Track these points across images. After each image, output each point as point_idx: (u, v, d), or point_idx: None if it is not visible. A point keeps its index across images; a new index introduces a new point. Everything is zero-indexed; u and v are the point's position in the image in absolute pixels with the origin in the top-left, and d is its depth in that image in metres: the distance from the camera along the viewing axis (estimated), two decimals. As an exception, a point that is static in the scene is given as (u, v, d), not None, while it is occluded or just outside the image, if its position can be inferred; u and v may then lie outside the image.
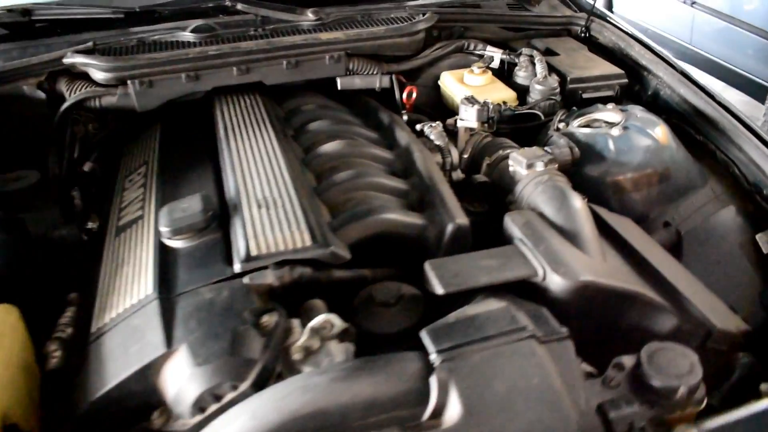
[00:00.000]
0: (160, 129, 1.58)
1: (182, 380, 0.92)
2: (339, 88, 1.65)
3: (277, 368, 0.94)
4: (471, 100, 1.44)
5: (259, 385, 0.88)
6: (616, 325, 1.09)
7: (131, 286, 1.10)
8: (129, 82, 1.52)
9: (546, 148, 1.34)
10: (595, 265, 1.08)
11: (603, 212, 1.26)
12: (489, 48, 1.76)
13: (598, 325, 1.09)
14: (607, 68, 1.67)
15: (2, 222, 1.28)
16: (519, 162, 1.29)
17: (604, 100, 1.62)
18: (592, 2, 1.83)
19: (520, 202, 1.24)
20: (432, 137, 1.41)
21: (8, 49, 1.62)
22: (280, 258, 1.05)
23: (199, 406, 0.90)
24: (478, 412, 0.80)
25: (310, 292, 1.09)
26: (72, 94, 1.55)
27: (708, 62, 3.85)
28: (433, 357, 0.86)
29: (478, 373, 0.84)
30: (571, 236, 1.12)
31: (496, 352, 0.87)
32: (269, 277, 1.03)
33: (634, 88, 1.73)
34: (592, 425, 0.83)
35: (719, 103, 1.51)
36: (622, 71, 1.66)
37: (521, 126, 1.57)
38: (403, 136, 1.43)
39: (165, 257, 1.12)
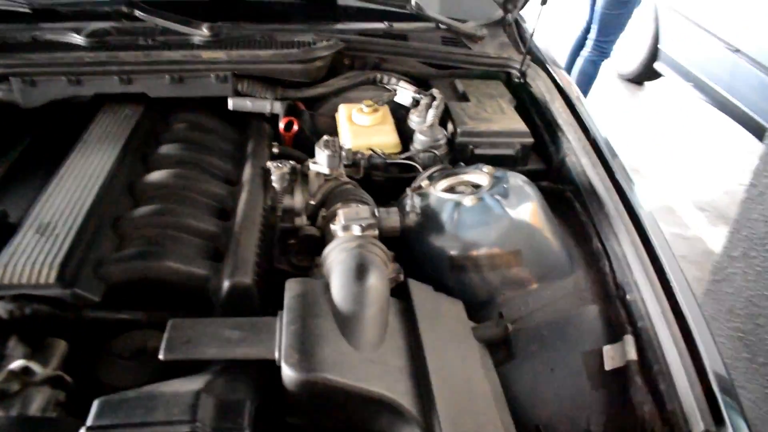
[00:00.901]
0: (39, 130, 1.58)
1: None
2: (229, 108, 1.59)
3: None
4: (328, 145, 1.34)
5: None
6: (363, 427, 0.98)
7: None
8: (11, 78, 1.53)
9: (378, 210, 1.22)
10: (346, 360, 0.96)
11: (421, 292, 1.14)
12: (402, 84, 1.64)
13: (341, 425, 0.99)
14: (512, 123, 1.52)
15: None
16: (339, 221, 1.18)
17: (501, 159, 1.48)
18: (526, 44, 1.66)
19: (323, 267, 1.14)
20: (272, 178, 1.32)
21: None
22: (17, 291, 1.02)
23: None
24: None
25: (60, 330, 1.05)
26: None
27: (745, 117, 3.48)
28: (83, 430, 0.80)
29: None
30: (345, 318, 1.01)
31: (145, 435, 0.80)
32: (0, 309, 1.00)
33: (549, 148, 1.56)
34: None
35: (615, 182, 1.34)
36: (526, 130, 1.50)
37: (396, 176, 1.46)
38: (248, 172, 1.36)
39: None
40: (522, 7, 1.78)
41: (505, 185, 1.28)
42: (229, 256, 1.15)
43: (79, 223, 1.14)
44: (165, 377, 0.95)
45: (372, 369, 0.97)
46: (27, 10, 1.66)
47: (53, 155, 1.41)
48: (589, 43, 4.01)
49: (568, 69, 4.21)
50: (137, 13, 1.59)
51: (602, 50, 3.98)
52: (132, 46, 1.55)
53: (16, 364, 0.94)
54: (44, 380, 0.96)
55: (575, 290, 1.24)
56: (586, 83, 4.14)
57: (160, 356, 0.94)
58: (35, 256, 1.06)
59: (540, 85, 1.65)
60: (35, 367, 0.95)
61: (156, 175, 1.31)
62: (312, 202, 1.35)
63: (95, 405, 0.85)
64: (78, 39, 1.57)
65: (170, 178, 1.30)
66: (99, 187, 1.24)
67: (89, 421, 0.82)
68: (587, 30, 4.08)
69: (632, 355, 1.10)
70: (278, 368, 0.94)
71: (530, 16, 1.94)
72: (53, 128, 1.58)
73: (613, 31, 3.92)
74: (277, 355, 0.94)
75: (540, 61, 1.73)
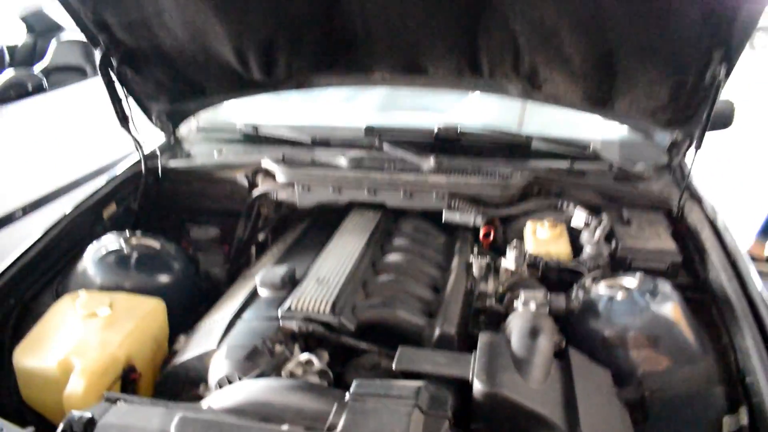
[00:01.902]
0: (309, 222, 2.32)
1: (217, 366, 1.55)
2: (443, 219, 2.20)
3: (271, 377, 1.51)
4: (516, 247, 1.88)
5: None
6: (523, 434, 1.42)
7: (229, 306, 1.78)
8: (295, 184, 2.29)
9: (550, 294, 1.71)
10: (519, 385, 1.43)
11: (578, 357, 1.58)
12: (577, 209, 2.14)
13: (507, 429, 1.44)
14: (665, 244, 1.95)
15: (185, 256, 2.10)
16: (521, 299, 1.69)
17: (653, 272, 1.90)
18: (684, 184, 2.11)
19: (505, 329, 1.64)
20: (473, 268, 1.87)
21: (241, 149, 2.54)
22: (305, 315, 1.64)
23: (220, 384, 1.51)
24: None
25: (326, 345, 1.65)
26: (261, 186, 2.38)
27: None
28: (347, 395, 1.35)
29: (363, 412, 1.30)
30: (520, 360, 1.49)
31: (385, 403, 1.32)
32: (293, 325, 1.62)
33: (697, 266, 1.95)
34: None
35: (746, 292, 1.70)
36: (676, 250, 1.92)
37: (566, 279, 1.94)
38: (455, 263, 1.93)
39: (251, 297, 1.79)
40: (684, 156, 2.23)
41: (651, 287, 1.71)
42: (439, 314, 1.70)
43: (343, 280, 1.77)
44: None
45: (535, 395, 1.43)
46: (308, 141, 2.46)
47: (319, 239, 2.09)
48: None
49: None
50: (384, 146, 2.31)
51: None
52: (379, 168, 2.26)
53: (304, 356, 1.54)
54: (317, 371, 1.55)
55: (705, 373, 1.60)
56: None
57: (394, 367, 1.48)
58: (316, 296, 1.69)
59: (694, 217, 2.07)
60: (315, 361, 1.54)
61: (391, 257, 1.94)
62: (500, 289, 1.88)
63: (355, 382, 1.40)
64: (342, 161, 2.31)
65: (400, 260, 1.91)
66: (354, 261, 1.87)
67: (351, 390, 1.37)
68: None
69: (745, 421, 1.44)
70: (470, 386, 1.44)
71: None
72: (318, 221, 2.30)
73: None
74: (471, 375, 1.44)
75: (697, 198, 2.15)
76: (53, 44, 4.46)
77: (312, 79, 2.40)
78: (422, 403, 1.34)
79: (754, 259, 4.37)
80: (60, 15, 5.33)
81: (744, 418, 1.45)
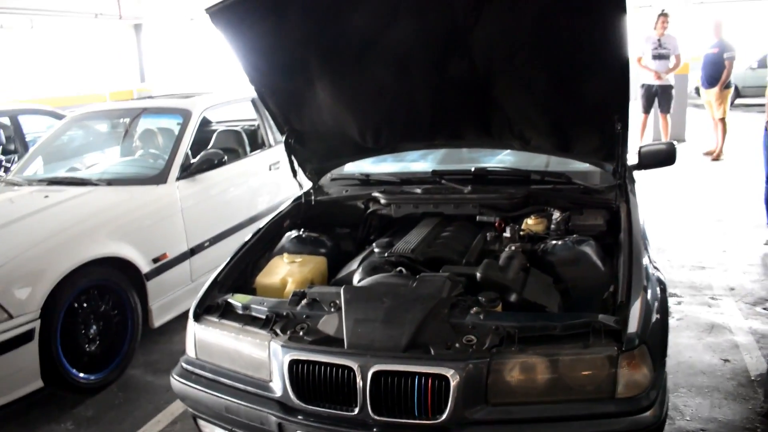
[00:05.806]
0: (398, 226, 4.32)
1: (357, 276, 3.54)
2: (477, 219, 4.15)
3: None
4: (511, 226, 3.79)
5: None
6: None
7: (357, 258, 3.79)
8: (392, 205, 4.31)
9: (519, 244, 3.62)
10: (499, 275, 3.32)
11: (534, 271, 3.45)
12: (555, 211, 4.02)
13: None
14: (597, 222, 3.80)
15: (332, 242, 4.15)
16: (507, 246, 3.61)
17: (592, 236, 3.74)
18: (618, 194, 3.96)
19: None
20: (488, 237, 3.81)
21: (358, 189, 4.60)
22: (399, 253, 3.61)
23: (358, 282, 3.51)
24: None
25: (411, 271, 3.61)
26: (372, 207, 4.42)
27: None
28: (417, 278, 3.32)
29: (424, 281, 3.27)
30: (502, 267, 3.37)
31: (434, 277, 3.28)
32: (393, 258, 3.60)
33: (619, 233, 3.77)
34: None
35: (630, 242, 3.50)
36: (603, 224, 3.77)
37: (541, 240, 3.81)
38: (478, 237, 3.88)
39: (369, 254, 3.80)
40: (624, 178, 4.05)
41: (578, 238, 3.57)
42: (466, 256, 3.63)
43: (418, 241, 3.73)
44: None
45: (507, 279, 3.32)
46: (398, 181, 4.51)
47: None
48: None
49: None
50: (443, 181, 4.32)
51: None
52: (439, 193, 4.24)
53: (398, 269, 3.51)
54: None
55: (603, 276, 3.36)
56: None
57: (440, 272, 3.42)
58: (405, 247, 3.66)
59: (622, 210, 3.88)
60: (404, 270, 3.50)
61: (444, 233, 3.90)
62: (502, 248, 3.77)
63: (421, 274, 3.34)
64: (417, 190, 4.31)
65: (449, 234, 3.87)
66: (424, 235, 3.84)
67: (418, 276, 3.31)
68: None
69: (611, 289, 3.24)
70: (475, 278, 3.35)
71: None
72: (403, 226, 4.28)
73: None
74: (476, 272, 3.35)
75: (626, 201, 3.97)
76: (216, 134, 6.93)
77: (399, 146, 4.49)
78: (450, 278, 3.26)
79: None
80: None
81: (611, 287, 3.26)
